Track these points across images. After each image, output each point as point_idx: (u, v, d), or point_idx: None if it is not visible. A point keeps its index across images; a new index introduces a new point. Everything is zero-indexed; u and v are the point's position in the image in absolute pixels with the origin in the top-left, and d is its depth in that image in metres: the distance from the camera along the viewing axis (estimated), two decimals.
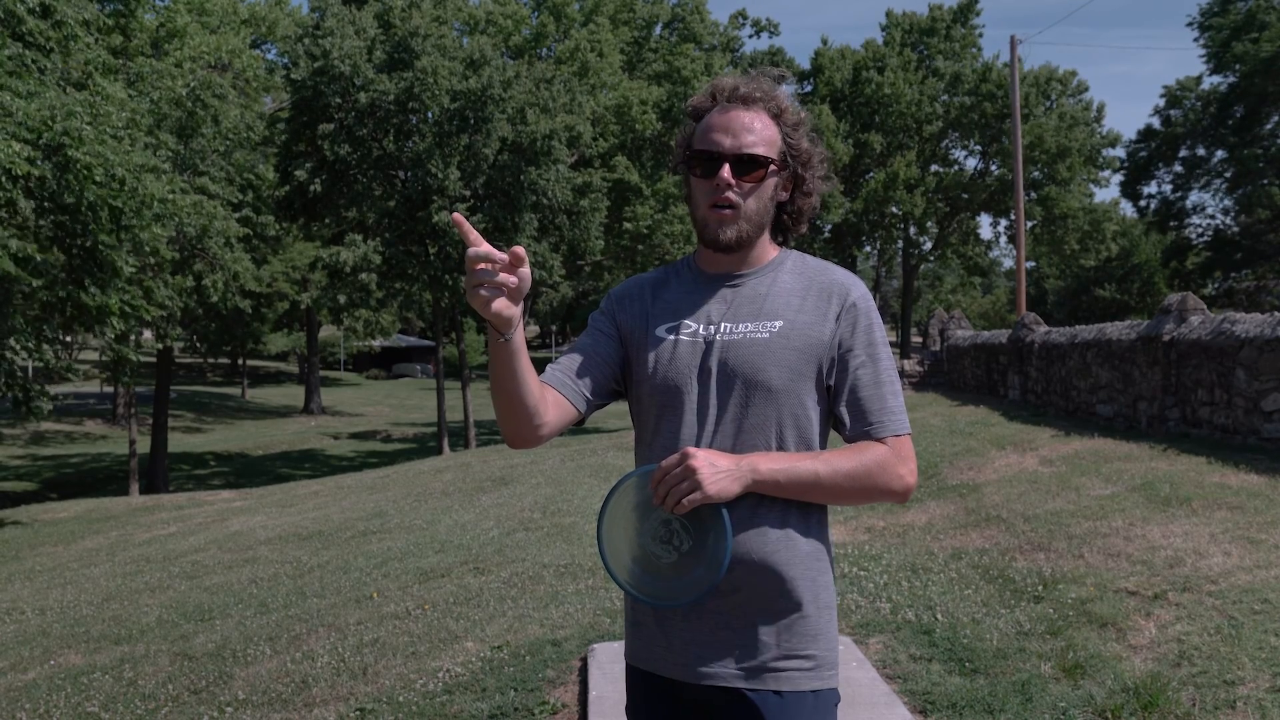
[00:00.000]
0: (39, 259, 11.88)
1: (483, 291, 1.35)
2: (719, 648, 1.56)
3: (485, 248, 1.36)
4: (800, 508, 1.58)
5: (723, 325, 1.62)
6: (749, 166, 1.59)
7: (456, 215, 1.37)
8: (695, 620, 1.57)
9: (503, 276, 1.36)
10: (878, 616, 4.45)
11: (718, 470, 1.48)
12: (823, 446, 1.62)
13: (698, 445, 1.57)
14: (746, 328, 1.60)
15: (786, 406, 1.58)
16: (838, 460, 1.54)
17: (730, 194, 1.58)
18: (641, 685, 1.66)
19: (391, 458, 26.72)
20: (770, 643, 1.55)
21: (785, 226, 1.70)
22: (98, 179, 11.79)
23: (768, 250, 1.68)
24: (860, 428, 1.59)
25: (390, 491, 12.80)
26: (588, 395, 1.65)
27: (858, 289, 1.64)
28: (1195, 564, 4.65)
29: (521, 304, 1.42)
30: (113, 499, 18.57)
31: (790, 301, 1.62)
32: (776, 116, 1.63)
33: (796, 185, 1.67)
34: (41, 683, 5.16)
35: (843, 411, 1.61)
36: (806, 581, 1.58)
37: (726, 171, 1.58)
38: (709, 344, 1.61)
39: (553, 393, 1.62)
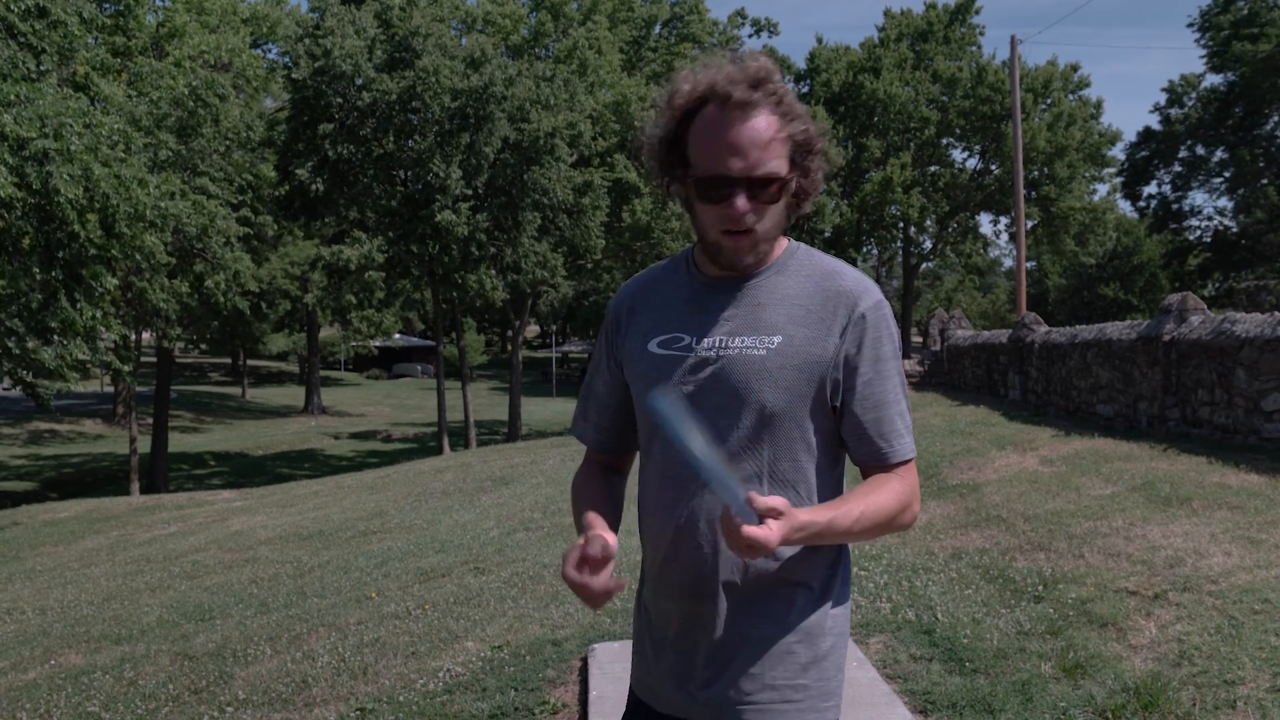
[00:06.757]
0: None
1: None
2: (703, 680, 1.51)
3: (576, 554, 1.44)
4: None
5: (717, 339, 1.49)
6: (765, 187, 1.42)
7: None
8: (684, 651, 1.53)
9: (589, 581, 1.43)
10: (878, 616, 4.45)
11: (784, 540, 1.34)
12: (828, 466, 1.53)
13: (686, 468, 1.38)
14: (743, 342, 1.47)
15: (782, 429, 1.46)
16: (870, 512, 1.44)
17: (747, 219, 1.43)
18: (635, 711, 1.63)
19: (392, 458, 26.71)
20: (756, 673, 1.48)
21: (791, 209, 1.54)
22: (70, 197, 11.66)
23: (774, 245, 1.54)
24: (866, 452, 1.50)
25: (390, 491, 12.81)
26: (629, 445, 1.71)
27: (868, 298, 1.49)
28: (1195, 564, 4.65)
29: (608, 566, 1.45)
30: (113, 499, 18.57)
31: (793, 313, 1.48)
32: (778, 111, 1.43)
33: (802, 171, 1.50)
34: (42, 682, 5.17)
35: (849, 434, 1.51)
36: (799, 613, 1.50)
37: (743, 201, 1.41)
38: (702, 360, 1.49)
39: (611, 457, 1.73)
